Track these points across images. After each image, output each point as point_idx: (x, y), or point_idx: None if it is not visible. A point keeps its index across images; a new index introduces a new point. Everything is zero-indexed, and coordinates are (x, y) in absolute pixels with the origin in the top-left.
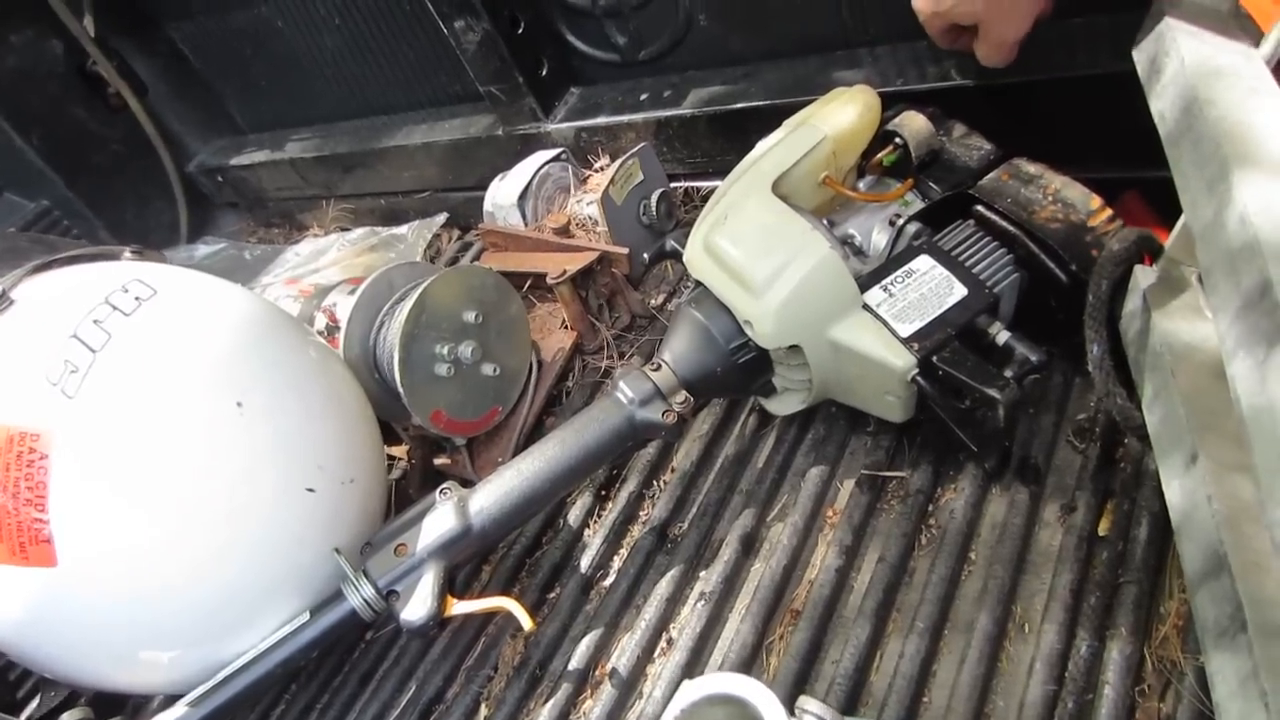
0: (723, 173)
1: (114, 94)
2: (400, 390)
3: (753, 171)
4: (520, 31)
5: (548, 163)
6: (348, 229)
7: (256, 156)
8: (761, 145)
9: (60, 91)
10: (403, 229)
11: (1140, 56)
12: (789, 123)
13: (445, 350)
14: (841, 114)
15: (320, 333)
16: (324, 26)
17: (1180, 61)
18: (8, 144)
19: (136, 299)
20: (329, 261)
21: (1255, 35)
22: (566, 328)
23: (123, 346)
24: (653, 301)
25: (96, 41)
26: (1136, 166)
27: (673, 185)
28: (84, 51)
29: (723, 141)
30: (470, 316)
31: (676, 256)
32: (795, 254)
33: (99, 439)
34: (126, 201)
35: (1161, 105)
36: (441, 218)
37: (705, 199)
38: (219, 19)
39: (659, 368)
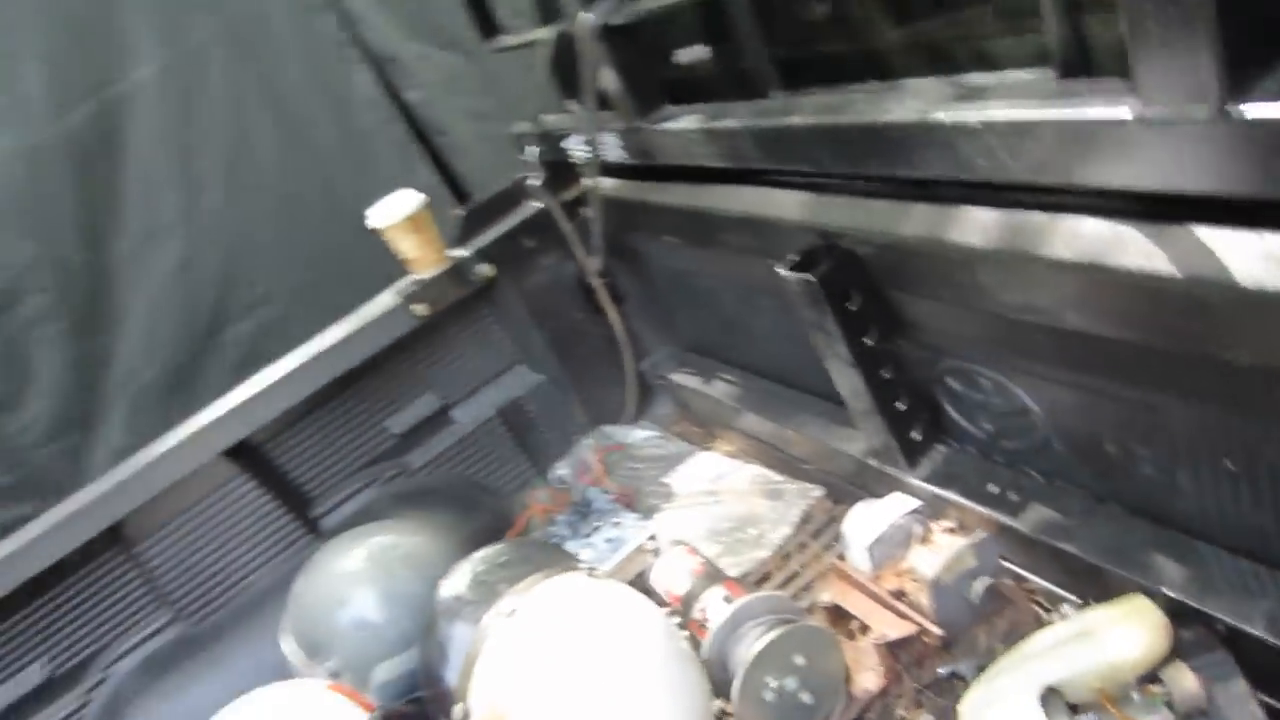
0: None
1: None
2: (734, 701)
3: (1028, 668)
4: (897, 389)
5: (905, 515)
6: (749, 462)
7: (689, 380)
8: (1044, 637)
9: (568, 297)
10: (788, 484)
11: None
12: (1075, 623)
13: (774, 681)
14: (1128, 643)
15: (695, 617)
16: (758, 310)
17: None
18: (529, 332)
19: None
20: (723, 487)
21: None
22: (876, 671)
23: None
24: (959, 669)
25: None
26: None
27: (1003, 565)
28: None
29: (1047, 571)
30: (800, 660)
31: None
32: None
33: None
34: (597, 383)
35: None
36: (819, 491)
37: (1033, 598)
38: (681, 274)
39: None
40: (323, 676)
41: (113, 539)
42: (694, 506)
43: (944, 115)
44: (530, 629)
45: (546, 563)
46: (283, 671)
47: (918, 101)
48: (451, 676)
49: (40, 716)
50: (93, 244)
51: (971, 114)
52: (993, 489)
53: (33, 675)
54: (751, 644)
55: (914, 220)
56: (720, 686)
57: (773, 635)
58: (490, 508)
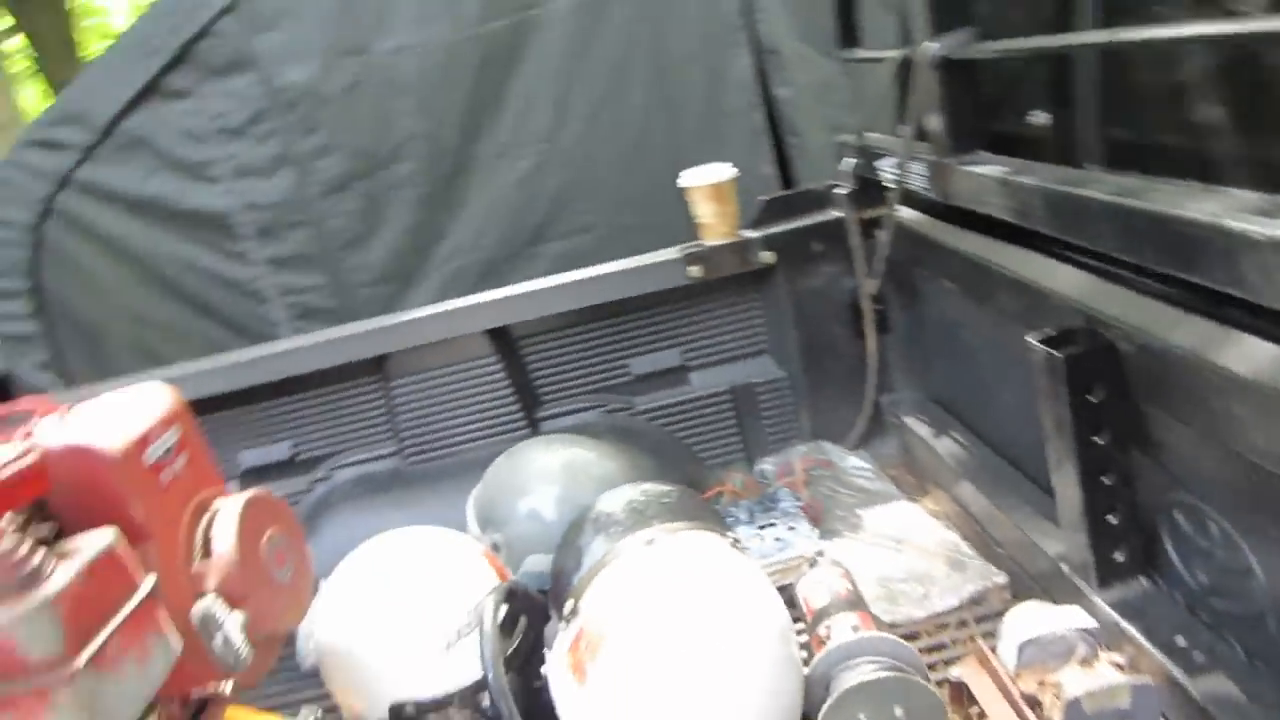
0: None
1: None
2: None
3: None
4: (1114, 502)
5: (1073, 629)
6: (947, 527)
7: (921, 429)
8: None
9: (834, 310)
10: (974, 560)
11: None
12: None
13: (864, 719)
14: None
15: (819, 633)
16: (1007, 380)
17: None
18: (786, 328)
19: None
20: (911, 540)
21: None
22: None
23: None
24: None
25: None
26: None
27: None
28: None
29: None
30: (899, 713)
31: None
32: None
33: None
34: (832, 399)
35: None
36: (1002, 578)
37: None
38: (949, 323)
39: None
40: (485, 544)
41: (375, 368)
42: (874, 546)
43: (1247, 226)
44: (659, 566)
45: (702, 520)
46: (459, 529)
47: (1224, 207)
48: (575, 582)
49: (275, 484)
50: (466, 136)
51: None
52: (1181, 642)
53: (281, 450)
54: (859, 675)
55: (1186, 330)
56: (813, 705)
57: (883, 675)
58: (687, 470)
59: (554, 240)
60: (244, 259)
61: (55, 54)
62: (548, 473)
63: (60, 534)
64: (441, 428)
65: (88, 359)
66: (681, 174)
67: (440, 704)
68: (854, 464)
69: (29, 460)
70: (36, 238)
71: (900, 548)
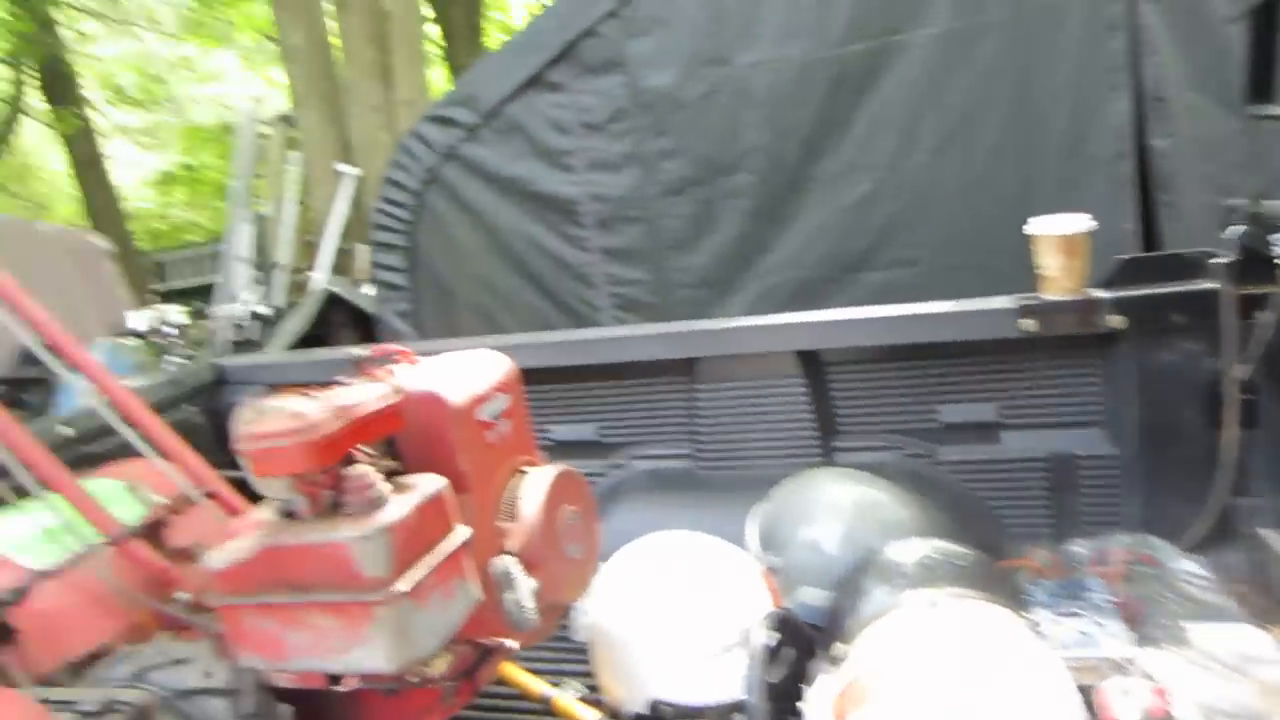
0: None
1: None
2: None
3: None
4: None
5: None
6: None
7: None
8: None
9: (1190, 392)
10: None
11: None
12: None
13: None
14: None
15: None
16: None
17: None
18: (1127, 403)
19: None
20: (1252, 673)
21: None
22: None
23: None
24: None
25: None
26: None
27: None
28: None
29: None
30: None
31: None
32: None
33: None
34: (1170, 491)
35: None
36: None
37: None
38: None
39: None
40: (763, 564)
41: (685, 369)
42: (1202, 669)
43: None
44: (942, 631)
45: (996, 592)
46: (739, 540)
47: None
48: (850, 624)
49: (576, 462)
50: (807, 154)
51: None
52: None
53: (587, 430)
54: None
55: None
56: None
57: None
58: (984, 534)
59: (875, 270)
60: (582, 245)
61: (462, 42)
62: (836, 506)
63: (398, 472)
64: (738, 439)
65: (438, 314)
66: (1030, 220)
67: (696, 713)
68: (1187, 569)
69: (393, 399)
70: (419, 201)
71: (1235, 677)
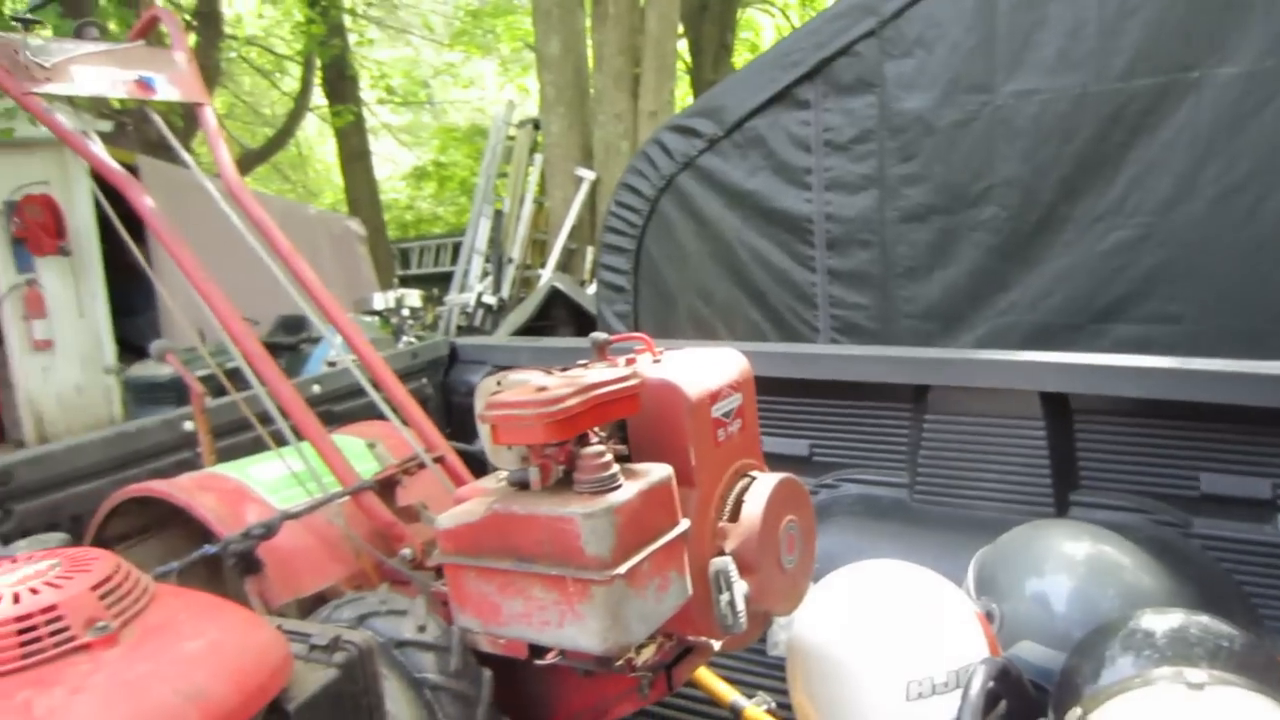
0: None
1: None
2: None
3: None
4: None
5: None
6: None
7: None
8: None
9: None
10: None
11: None
12: None
13: None
14: None
15: None
16: None
17: None
18: None
19: None
20: None
21: None
22: None
23: None
24: None
25: None
26: None
27: None
28: None
29: None
30: None
31: None
32: None
33: None
34: None
35: None
36: None
37: None
38: None
39: None
40: (978, 609)
41: (912, 396)
42: None
43: None
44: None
45: (1273, 689)
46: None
47: None
48: (1088, 692)
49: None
50: (1065, 193)
51: None
52: None
53: (800, 446)
54: None
55: None
56: None
57: None
58: (1237, 623)
59: (1129, 322)
60: (809, 264)
61: (709, 58)
62: (1070, 562)
63: (624, 458)
64: (963, 477)
65: (656, 317)
66: None
67: None
68: None
69: (632, 383)
70: (652, 207)
71: None
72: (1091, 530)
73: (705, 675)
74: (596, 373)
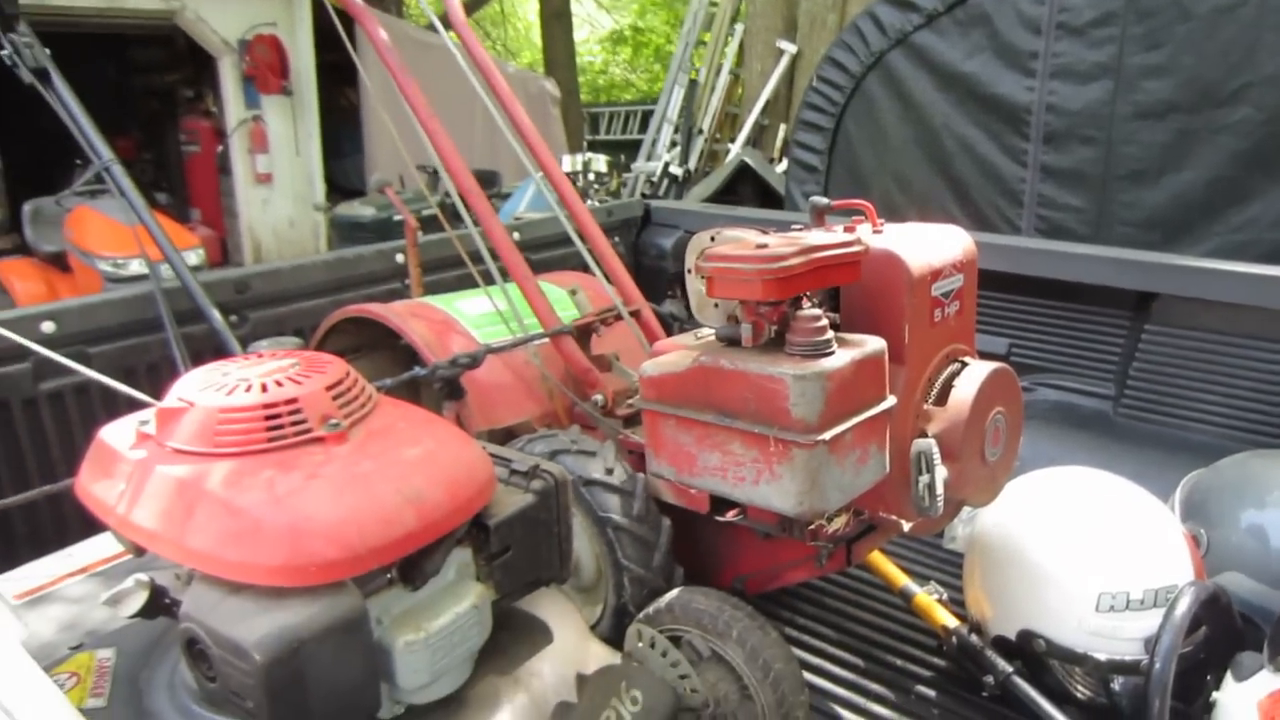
0: None
1: None
2: None
3: None
4: None
5: None
6: None
7: None
8: None
9: None
10: None
11: None
12: None
13: None
14: None
15: None
16: None
17: None
18: None
19: None
20: None
21: None
22: None
23: None
24: None
25: None
26: None
27: None
28: None
29: None
30: None
31: None
32: None
33: None
34: None
35: None
36: None
37: None
38: None
39: None
40: (1184, 530)
41: (1133, 303)
42: None
43: None
44: None
45: None
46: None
47: None
48: None
49: None
50: None
51: None
52: None
53: (998, 344)
54: None
55: None
56: None
57: None
58: None
59: None
60: (1019, 158)
61: None
62: None
63: (836, 326)
64: (1181, 394)
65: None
66: None
67: (1072, 657)
68: None
69: (855, 249)
70: (857, 85)
71: None
72: None
73: (878, 558)
74: (820, 236)
